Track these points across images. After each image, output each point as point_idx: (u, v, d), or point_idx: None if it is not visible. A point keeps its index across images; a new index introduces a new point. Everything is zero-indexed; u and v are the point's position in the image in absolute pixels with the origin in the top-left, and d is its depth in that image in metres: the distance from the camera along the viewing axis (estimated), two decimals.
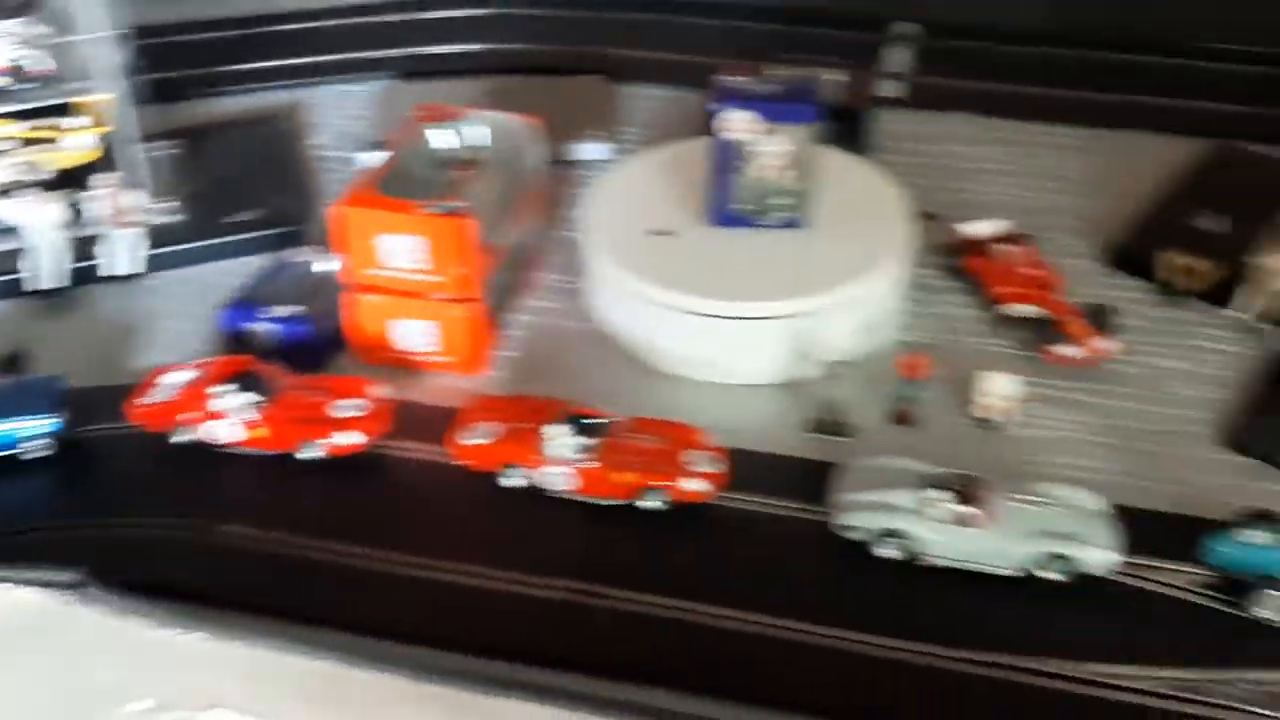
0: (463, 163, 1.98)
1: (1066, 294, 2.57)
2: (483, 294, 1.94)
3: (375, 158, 2.25)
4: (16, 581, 1.76)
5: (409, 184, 1.91)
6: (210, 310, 2.16)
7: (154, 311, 2.24)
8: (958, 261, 2.64)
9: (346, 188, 1.91)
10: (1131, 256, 2.61)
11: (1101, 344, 2.41)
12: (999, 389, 2.25)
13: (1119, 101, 3.27)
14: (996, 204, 2.84)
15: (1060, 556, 1.93)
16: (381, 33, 2.57)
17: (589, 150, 2.52)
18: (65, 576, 1.76)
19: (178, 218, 2.13)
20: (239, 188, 2.23)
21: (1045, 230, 2.81)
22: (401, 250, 1.90)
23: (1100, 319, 2.49)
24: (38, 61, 2.10)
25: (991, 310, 2.59)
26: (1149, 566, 1.97)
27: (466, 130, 2.03)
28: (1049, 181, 2.99)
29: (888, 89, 3.25)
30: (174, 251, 2.24)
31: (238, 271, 2.23)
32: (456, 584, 1.83)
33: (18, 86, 2.17)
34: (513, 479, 1.97)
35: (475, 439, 1.96)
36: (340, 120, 2.41)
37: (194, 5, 2.14)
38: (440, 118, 1.99)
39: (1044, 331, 2.55)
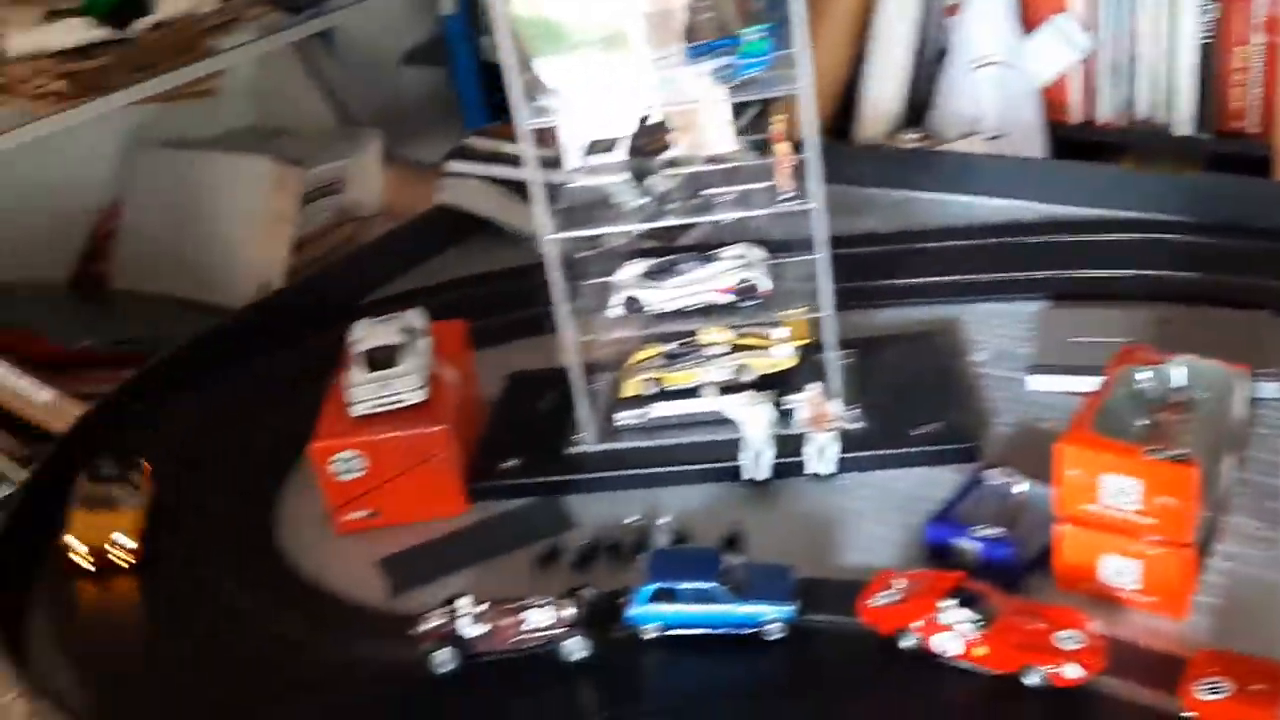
0: (1168, 405, 1.39)
1: None
2: (1192, 539, 1.32)
3: (1043, 381, 1.62)
4: None
5: (1117, 422, 1.28)
6: (899, 515, 1.44)
7: (847, 511, 1.45)
8: None
9: (1070, 424, 1.25)
10: None
11: None
12: None
13: None
14: None
15: None
16: (1026, 254, 1.89)
17: (1269, 389, 1.80)
18: None
19: (860, 424, 1.46)
20: (911, 400, 1.48)
21: None
22: (1117, 489, 1.25)
23: None
24: (758, 281, 1.43)
25: None
26: None
27: (1173, 371, 1.46)
28: None
29: None
30: (862, 457, 1.51)
31: (918, 480, 1.50)
32: None
33: (741, 303, 1.49)
34: None
35: (1210, 695, 1.31)
36: (994, 339, 1.70)
37: (843, 220, 1.42)
38: (1142, 358, 1.40)
39: None
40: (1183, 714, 1.45)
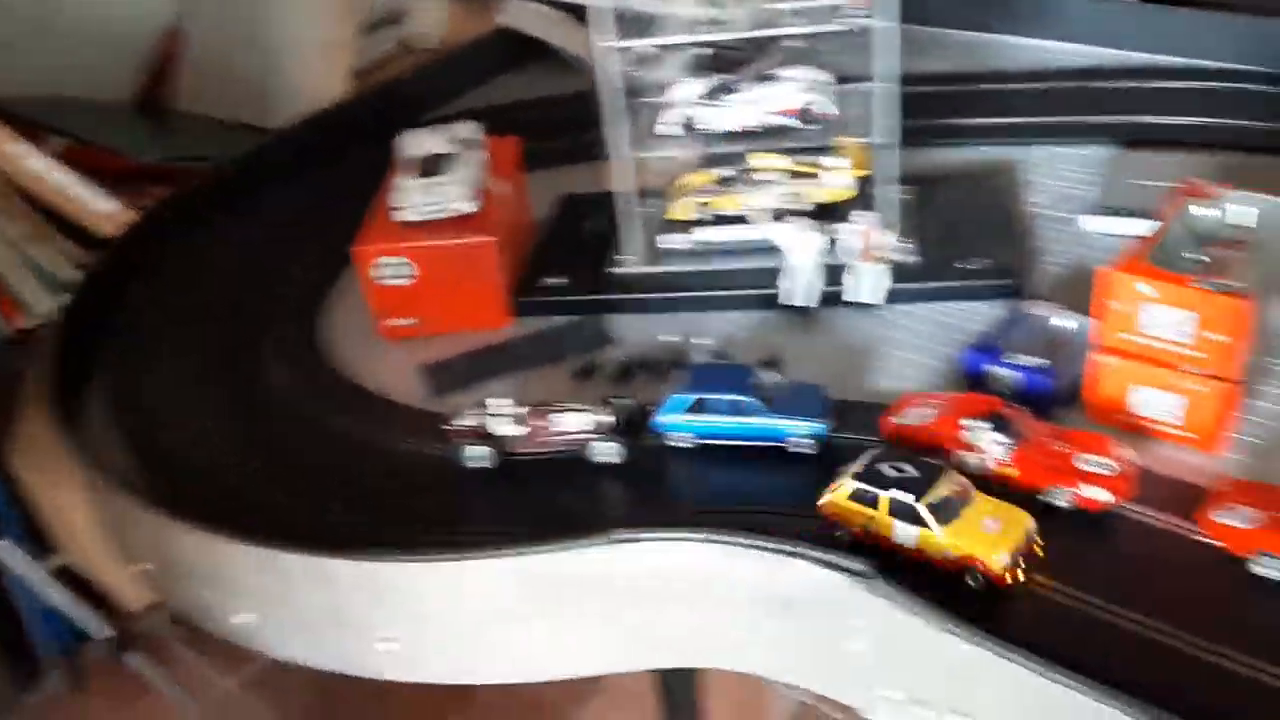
0: (1226, 241, 1.45)
1: None
2: (1238, 375, 1.40)
3: (1100, 223, 1.72)
4: (813, 560, 1.22)
5: (1172, 256, 1.39)
6: (939, 347, 1.58)
7: (888, 340, 1.62)
8: None
9: (1119, 255, 1.38)
10: None
11: None
12: None
13: None
14: None
15: None
16: (1099, 99, 1.98)
17: None
18: (857, 566, 1.22)
19: (913, 258, 1.63)
20: (963, 236, 1.67)
21: None
22: (1163, 321, 1.37)
23: None
24: (822, 106, 1.58)
25: None
26: None
27: (1231, 209, 1.51)
28: None
29: None
30: (908, 289, 1.67)
31: (962, 314, 1.66)
32: (1192, 657, 1.29)
33: (801, 127, 1.65)
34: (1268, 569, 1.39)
35: (1231, 520, 1.43)
36: (1055, 182, 1.82)
37: (908, 59, 1.54)
38: (1203, 194, 1.47)
39: None
40: (1202, 538, 1.46)
